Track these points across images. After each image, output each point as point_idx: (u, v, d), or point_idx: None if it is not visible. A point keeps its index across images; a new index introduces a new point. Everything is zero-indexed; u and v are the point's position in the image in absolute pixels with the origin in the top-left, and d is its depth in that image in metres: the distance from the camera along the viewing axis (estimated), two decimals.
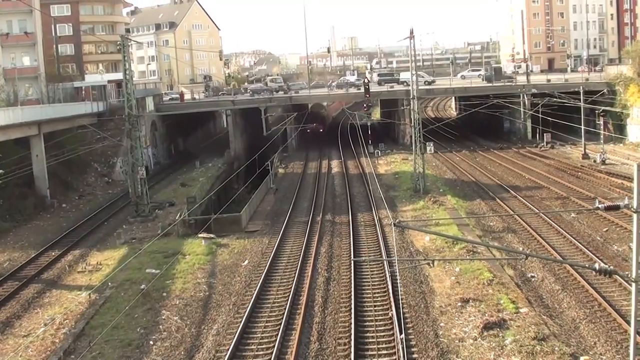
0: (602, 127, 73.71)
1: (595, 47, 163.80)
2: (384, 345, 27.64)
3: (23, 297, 37.97)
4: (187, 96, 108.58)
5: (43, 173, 63.72)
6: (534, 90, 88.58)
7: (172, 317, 32.89)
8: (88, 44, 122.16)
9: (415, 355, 26.48)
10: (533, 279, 35.66)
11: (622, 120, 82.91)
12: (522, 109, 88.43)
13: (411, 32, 57.40)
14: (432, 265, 35.67)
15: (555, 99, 77.17)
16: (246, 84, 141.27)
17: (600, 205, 17.46)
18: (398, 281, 33.61)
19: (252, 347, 28.69)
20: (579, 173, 64.91)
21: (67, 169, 69.76)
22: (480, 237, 43.83)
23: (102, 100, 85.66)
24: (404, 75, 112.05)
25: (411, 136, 64.59)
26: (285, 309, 32.31)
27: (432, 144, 65.30)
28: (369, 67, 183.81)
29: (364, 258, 39.68)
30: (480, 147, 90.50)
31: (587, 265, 19.12)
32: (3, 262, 45.84)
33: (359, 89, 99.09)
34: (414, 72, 61.26)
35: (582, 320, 29.70)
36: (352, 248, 42.61)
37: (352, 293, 33.41)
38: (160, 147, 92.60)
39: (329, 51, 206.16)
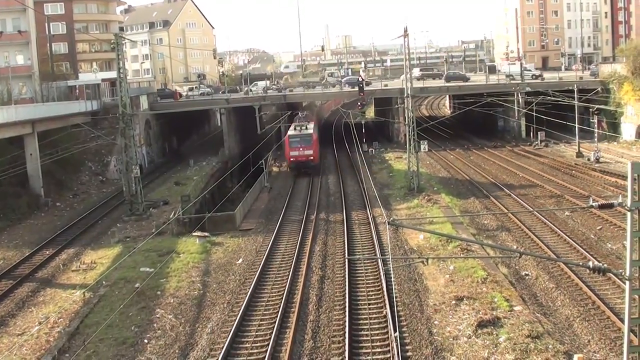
0: (596, 125, 73.83)
1: (589, 45, 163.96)
2: (378, 344, 27.67)
3: (17, 295, 37.95)
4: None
5: (37, 172, 63.61)
6: (528, 89, 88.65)
7: (166, 315, 32.89)
8: (82, 43, 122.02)
9: (409, 354, 26.51)
10: (527, 277, 35.72)
11: (616, 118, 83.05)
12: (516, 108, 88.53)
13: (405, 31, 57.45)
14: (426, 263, 35.53)
15: (549, 98, 77.30)
16: (301, 78, 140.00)
17: (594, 204, 17.47)
18: (392, 279, 33.66)
19: (247, 345, 28.70)
20: (573, 171, 65.03)
21: (61, 168, 69.63)
22: (474, 235, 43.92)
23: (96, 99, 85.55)
24: (508, 69, 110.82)
25: (405, 134, 64.66)
26: (279, 307, 32.32)
27: (426, 143, 65.25)
28: (363, 65, 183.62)
29: (358, 256, 39.71)
30: (475, 146, 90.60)
31: (581, 264, 19.16)
32: None
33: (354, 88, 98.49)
34: (408, 70, 61.36)
35: (576, 318, 29.76)
36: (346, 246, 42.65)
37: (347, 291, 33.43)
38: (154, 146, 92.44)
39: (323, 50, 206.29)
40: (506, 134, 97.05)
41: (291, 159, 75.13)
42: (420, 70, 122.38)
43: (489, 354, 25.82)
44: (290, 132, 77.19)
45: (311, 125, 79.47)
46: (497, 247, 38.86)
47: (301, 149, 74.10)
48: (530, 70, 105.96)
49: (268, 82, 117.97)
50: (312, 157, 74.77)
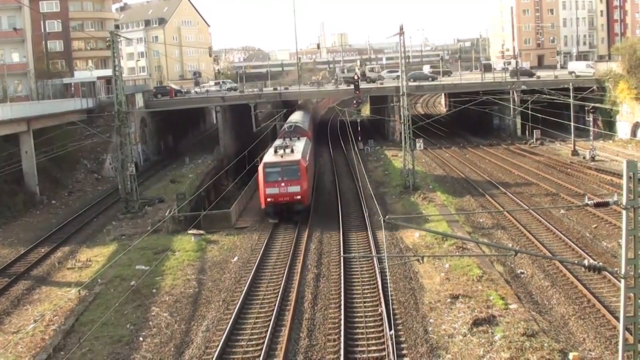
0: (591, 123, 73.91)
1: (584, 43, 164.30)
2: (373, 342, 27.67)
3: (12, 293, 37.91)
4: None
5: (32, 170, 63.53)
6: (523, 87, 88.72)
7: (161, 313, 32.86)
8: (77, 40, 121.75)
9: (404, 352, 26.52)
10: (522, 275, 35.76)
11: (612, 116, 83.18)
12: (511, 106, 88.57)
13: (401, 29, 57.41)
14: (421, 261, 35.74)
15: (544, 96, 77.36)
16: (343, 74, 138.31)
17: (589, 202, 17.51)
18: (387, 278, 33.69)
19: (242, 343, 28.70)
20: (569, 169, 65.07)
21: (56, 166, 69.58)
22: (469, 233, 43.90)
23: (91, 97, 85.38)
24: (572, 66, 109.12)
25: (401, 133, 64.63)
26: (275, 305, 32.33)
27: (421, 141, 65.43)
28: (358, 63, 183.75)
29: (353, 255, 39.70)
30: (470, 144, 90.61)
31: (576, 262, 19.21)
32: None
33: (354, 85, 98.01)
34: (399, 69, 61.34)
35: (571, 316, 29.81)
36: (341, 244, 42.62)
37: (342, 289, 33.43)
38: (149, 144, 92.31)
39: (318, 47, 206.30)
40: (502, 132, 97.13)
41: (267, 200, 49.41)
42: (431, 66, 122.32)
43: (484, 352, 25.83)
44: (268, 157, 52.95)
45: (300, 144, 56.93)
46: (493, 246, 38.92)
47: (283, 185, 49.11)
48: (592, 67, 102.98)
49: (214, 82, 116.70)
50: (299, 196, 49.38)
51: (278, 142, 57.97)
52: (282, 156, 51.31)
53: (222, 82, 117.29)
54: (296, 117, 78.70)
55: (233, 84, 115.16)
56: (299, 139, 60.20)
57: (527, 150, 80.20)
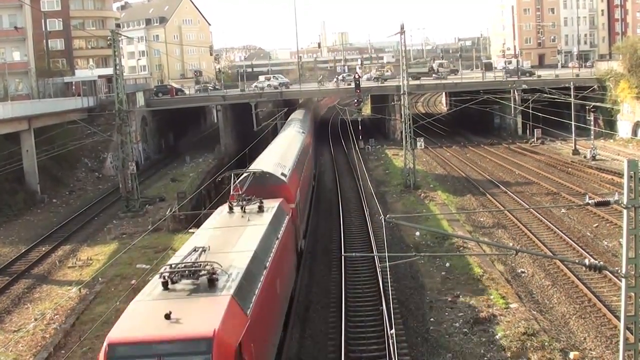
0: (592, 123, 73.85)
1: (585, 42, 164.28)
2: (373, 341, 27.64)
3: (13, 292, 37.93)
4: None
5: (33, 168, 63.58)
6: (524, 86, 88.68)
7: None
8: (78, 39, 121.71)
9: (405, 351, 26.48)
10: (523, 275, 35.75)
11: (613, 116, 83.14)
12: (512, 105, 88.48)
13: (402, 28, 57.38)
14: (422, 260, 35.73)
15: (545, 95, 77.31)
16: (410, 69, 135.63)
17: (590, 201, 17.51)
18: (388, 276, 33.65)
19: None
20: (569, 169, 65.02)
21: (57, 164, 69.64)
22: (470, 232, 43.88)
23: (92, 96, 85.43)
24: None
25: (402, 132, 64.64)
26: None
27: (422, 140, 65.30)
28: (359, 62, 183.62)
29: (354, 254, 39.63)
30: (471, 143, 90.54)
31: (577, 261, 19.20)
32: None
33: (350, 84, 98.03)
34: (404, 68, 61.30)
35: (572, 315, 29.80)
36: (342, 243, 42.54)
37: (343, 288, 33.37)
38: (150, 143, 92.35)
39: (319, 46, 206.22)
40: (502, 132, 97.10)
41: None
42: (439, 64, 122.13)
43: (484, 351, 25.82)
44: (127, 319, 18.06)
45: (251, 245, 22.77)
46: (493, 245, 38.91)
47: None
48: None
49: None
50: None
51: (198, 238, 25.87)
52: (168, 315, 16.53)
53: (274, 77, 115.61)
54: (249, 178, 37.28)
55: (284, 79, 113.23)
56: (261, 212, 27.51)
57: (528, 150, 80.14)
